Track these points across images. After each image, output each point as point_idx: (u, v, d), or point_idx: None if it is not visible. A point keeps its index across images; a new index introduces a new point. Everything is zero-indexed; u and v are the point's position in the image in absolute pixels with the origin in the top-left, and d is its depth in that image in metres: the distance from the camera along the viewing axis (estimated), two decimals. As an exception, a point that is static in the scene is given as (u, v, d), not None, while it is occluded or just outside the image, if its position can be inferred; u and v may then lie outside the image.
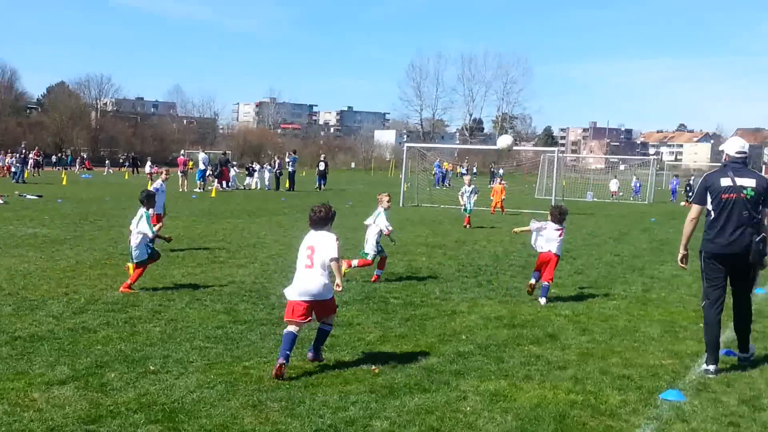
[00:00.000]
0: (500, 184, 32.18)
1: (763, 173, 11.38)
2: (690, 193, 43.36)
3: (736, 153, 8.14)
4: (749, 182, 7.89)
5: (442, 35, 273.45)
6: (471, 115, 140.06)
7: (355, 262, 12.83)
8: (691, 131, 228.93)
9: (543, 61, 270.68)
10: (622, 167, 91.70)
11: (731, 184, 7.89)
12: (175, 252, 15.56)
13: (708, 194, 8.01)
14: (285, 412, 6.33)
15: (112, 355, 7.86)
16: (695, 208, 8.16)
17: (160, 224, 14.73)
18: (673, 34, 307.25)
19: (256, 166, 49.85)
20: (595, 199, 46.00)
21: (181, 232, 19.02)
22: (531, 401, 6.73)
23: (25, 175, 46.69)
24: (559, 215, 11.84)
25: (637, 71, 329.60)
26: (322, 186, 46.82)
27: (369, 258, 12.96)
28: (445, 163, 70.03)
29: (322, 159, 49.36)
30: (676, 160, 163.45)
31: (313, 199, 36.68)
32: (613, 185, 52.08)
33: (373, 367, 7.71)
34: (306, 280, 7.59)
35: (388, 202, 13.18)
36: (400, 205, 33.41)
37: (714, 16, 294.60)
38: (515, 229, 13.07)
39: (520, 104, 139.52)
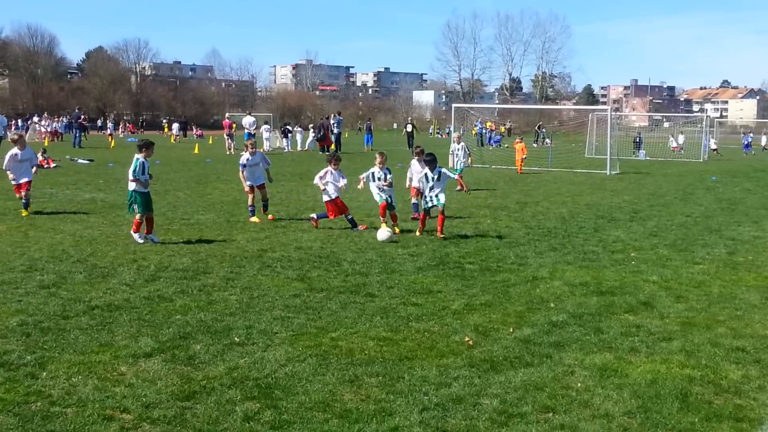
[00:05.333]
0: (520, 142, 31.30)
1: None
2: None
3: None
4: None
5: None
6: (510, 75, 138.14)
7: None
8: (736, 87, 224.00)
9: (580, 20, 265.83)
10: (666, 125, 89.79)
11: None
12: (235, 217, 15.29)
13: None
14: (385, 389, 5.96)
15: (194, 326, 7.57)
16: None
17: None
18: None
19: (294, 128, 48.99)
20: (648, 158, 44.78)
21: (237, 195, 18.71)
22: (645, 377, 6.27)
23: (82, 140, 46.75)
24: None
25: (674, 27, 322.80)
26: (411, 144, 46.44)
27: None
28: (488, 123, 69.00)
29: (409, 121, 51.10)
30: (721, 116, 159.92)
31: (362, 159, 36.19)
32: (673, 142, 54.70)
33: (467, 338, 7.32)
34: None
35: (379, 162, 14.22)
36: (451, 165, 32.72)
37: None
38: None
39: (559, 63, 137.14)
